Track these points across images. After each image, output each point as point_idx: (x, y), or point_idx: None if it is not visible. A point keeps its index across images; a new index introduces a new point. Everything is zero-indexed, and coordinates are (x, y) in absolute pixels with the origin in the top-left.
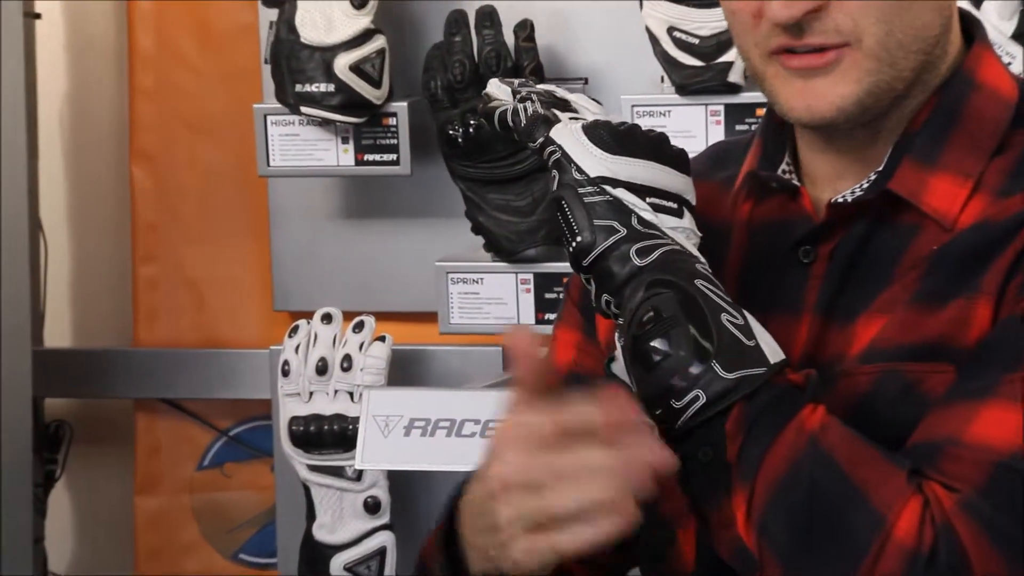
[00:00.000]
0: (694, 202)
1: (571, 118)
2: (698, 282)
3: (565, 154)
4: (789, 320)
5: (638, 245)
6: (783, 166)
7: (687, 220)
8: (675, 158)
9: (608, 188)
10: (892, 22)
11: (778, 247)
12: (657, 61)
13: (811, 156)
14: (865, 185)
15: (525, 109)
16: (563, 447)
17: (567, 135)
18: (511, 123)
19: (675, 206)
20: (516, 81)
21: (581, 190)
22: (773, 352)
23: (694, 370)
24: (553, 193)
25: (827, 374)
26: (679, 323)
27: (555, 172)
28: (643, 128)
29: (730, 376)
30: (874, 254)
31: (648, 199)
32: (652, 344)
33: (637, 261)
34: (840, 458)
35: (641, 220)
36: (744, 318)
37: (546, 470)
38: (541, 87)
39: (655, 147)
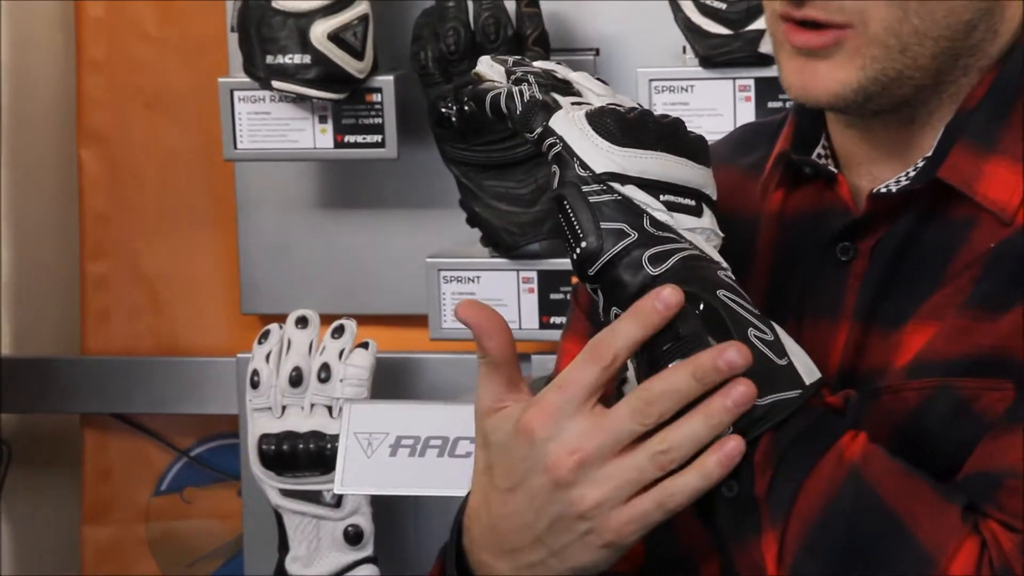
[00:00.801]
0: (714, 197)
1: (573, 103)
2: (721, 293)
3: (567, 147)
4: (825, 326)
5: (652, 251)
6: (819, 149)
7: (707, 219)
8: (692, 147)
9: (616, 186)
10: (907, 6)
11: (812, 243)
12: (678, 29)
13: (842, 137)
14: (912, 173)
15: (521, 93)
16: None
17: (569, 125)
18: (505, 109)
19: (693, 203)
20: (510, 59)
21: (585, 188)
22: (808, 371)
23: None
24: (553, 191)
25: (869, 388)
26: (701, 342)
27: (555, 167)
28: (655, 114)
29: (760, 402)
30: (922, 252)
31: (662, 197)
32: (671, 366)
33: (651, 269)
34: (885, 492)
35: (654, 222)
36: (774, 332)
37: (632, 420)
38: (539, 65)
39: (669, 135)
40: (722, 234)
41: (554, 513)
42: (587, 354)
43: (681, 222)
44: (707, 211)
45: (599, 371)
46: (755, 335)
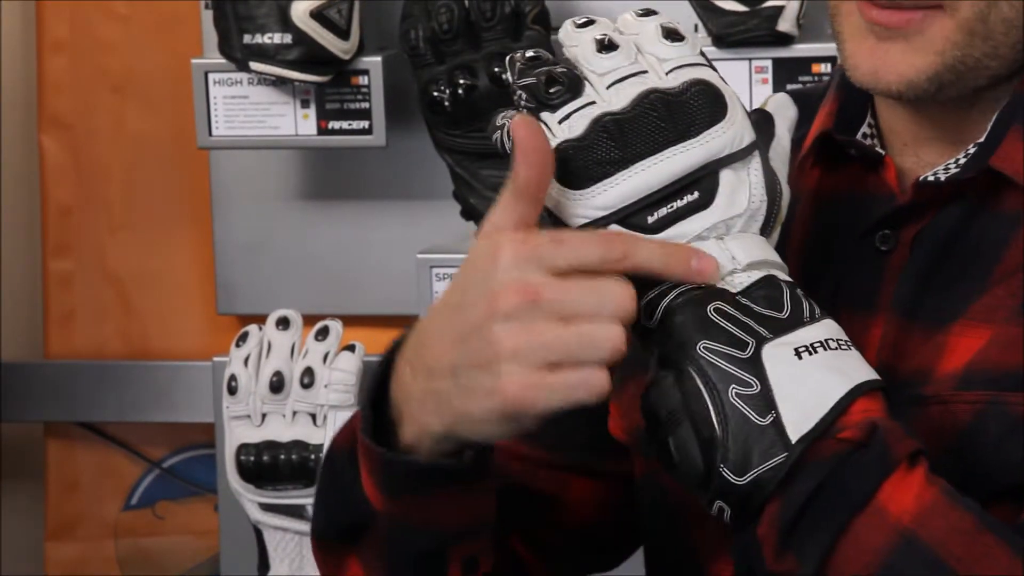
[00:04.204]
0: (731, 150)
1: (561, 119)
2: (701, 347)
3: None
4: (860, 321)
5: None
6: (864, 128)
7: (718, 206)
8: (691, 115)
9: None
10: None
11: (849, 229)
12: (689, 6)
13: (891, 116)
14: (962, 160)
15: (504, 130)
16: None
17: None
18: (502, 151)
19: (696, 196)
20: (519, 59)
21: None
22: (802, 417)
23: (710, 478)
24: None
25: (913, 394)
26: (680, 421)
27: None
28: (663, 89)
29: (742, 481)
30: (969, 246)
31: (653, 215)
32: (667, 440)
33: (644, 320)
34: (951, 558)
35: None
36: (761, 381)
37: (567, 293)
38: (568, 50)
39: (668, 123)
40: (744, 206)
41: (474, 345)
42: (600, 235)
43: (686, 231)
44: (719, 192)
45: (600, 253)
46: (736, 393)
